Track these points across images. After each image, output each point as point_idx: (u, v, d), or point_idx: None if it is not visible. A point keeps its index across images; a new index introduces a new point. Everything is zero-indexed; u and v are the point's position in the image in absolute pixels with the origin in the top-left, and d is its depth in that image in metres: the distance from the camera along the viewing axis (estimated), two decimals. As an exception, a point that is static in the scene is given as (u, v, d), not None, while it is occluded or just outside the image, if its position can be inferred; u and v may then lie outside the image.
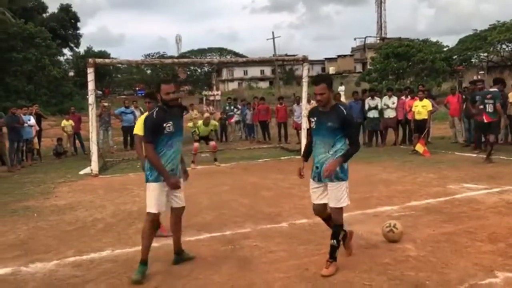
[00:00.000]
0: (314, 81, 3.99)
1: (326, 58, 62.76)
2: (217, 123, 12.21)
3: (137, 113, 15.78)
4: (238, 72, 63.32)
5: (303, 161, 4.23)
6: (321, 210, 4.20)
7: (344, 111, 4.02)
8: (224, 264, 4.33)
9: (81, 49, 46.46)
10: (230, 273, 4.10)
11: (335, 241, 3.97)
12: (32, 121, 12.88)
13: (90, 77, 10.41)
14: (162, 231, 5.40)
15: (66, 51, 43.59)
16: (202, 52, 64.59)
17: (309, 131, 4.25)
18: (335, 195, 3.94)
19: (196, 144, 10.76)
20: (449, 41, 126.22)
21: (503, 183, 7.34)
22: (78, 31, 43.87)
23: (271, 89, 43.37)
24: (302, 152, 4.36)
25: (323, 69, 60.72)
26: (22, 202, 7.64)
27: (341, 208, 3.98)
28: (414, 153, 11.01)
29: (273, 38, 42.75)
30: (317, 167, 4.01)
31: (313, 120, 4.02)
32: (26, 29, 30.22)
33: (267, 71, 63.21)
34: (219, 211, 6.39)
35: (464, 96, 12.55)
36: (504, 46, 34.90)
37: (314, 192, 4.11)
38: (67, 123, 15.15)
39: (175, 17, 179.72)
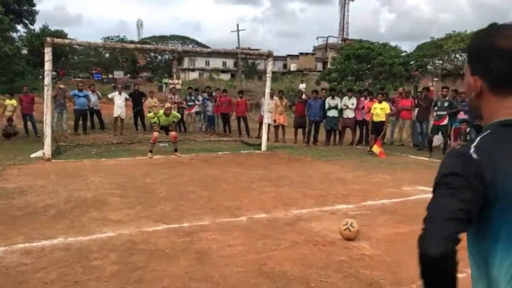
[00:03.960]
0: None
1: (288, 55, 63.20)
2: (179, 115, 12.03)
3: (94, 97, 15.28)
4: (200, 62, 62.55)
5: None
6: None
7: None
8: (181, 256, 4.28)
9: (36, 27, 44.30)
10: (187, 266, 4.06)
11: None
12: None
13: (47, 57, 9.93)
14: None
15: (20, 27, 41.31)
16: (164, 39, 63.35)
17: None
18: None
19: (155, 134, 10.58)
20: (407, 46, 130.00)
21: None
22: (33, 8, 41.73)
23: (233, 81, 43.16)
24: None
25: (285, 66, 61.20)
26: (-34, 183, 7.23)
27: None
28: (370, 154, 11.30)
29: (238, 30, 42.36)
30: None
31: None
32: (-24, 1, 28.49)
33: (229, 63, 62.89)
34: (178, 203, 6.30)
35: (417, 101, 13.12)
36: (458, 56, 36.49)
37: None
38: (9, 102, 13.76)
39: (137, 1, 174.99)
